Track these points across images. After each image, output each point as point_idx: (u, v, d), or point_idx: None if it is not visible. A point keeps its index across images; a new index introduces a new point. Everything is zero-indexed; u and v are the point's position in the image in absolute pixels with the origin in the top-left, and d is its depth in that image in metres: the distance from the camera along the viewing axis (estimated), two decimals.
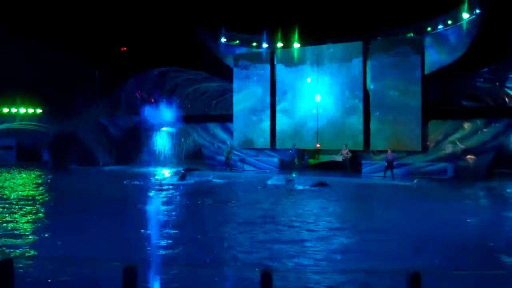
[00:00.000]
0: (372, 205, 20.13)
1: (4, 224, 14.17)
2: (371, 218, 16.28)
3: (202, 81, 40.50)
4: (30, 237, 12.67)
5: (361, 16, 35.16)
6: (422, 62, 30.77)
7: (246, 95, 35.65)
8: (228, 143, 35.96)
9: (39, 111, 43.24)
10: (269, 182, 26.18)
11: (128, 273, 6.40)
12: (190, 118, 36.93)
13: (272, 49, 35.47)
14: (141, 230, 12.67)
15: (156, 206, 17.89)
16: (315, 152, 33.85)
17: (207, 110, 41.67)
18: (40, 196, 20.96)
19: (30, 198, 20.13)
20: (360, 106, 32.11)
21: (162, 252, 10.97)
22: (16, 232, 13.18)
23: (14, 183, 26.44)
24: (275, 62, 35.21)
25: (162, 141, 38.34)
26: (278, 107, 34.70)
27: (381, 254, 11.11)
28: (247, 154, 35.73)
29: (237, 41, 37.07)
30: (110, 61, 38.03)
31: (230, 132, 36.69)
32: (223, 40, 37.13)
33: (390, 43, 31.57)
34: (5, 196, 20.65)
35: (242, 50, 36.86)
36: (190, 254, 11.17)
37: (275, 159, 34.77)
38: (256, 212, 16.90)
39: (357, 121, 32.18)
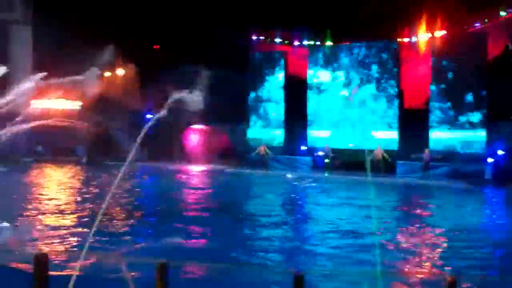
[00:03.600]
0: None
1: None
2: None
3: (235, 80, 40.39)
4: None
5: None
6: None
7: None
8: (263, 141, 35.80)
9: (75, 107, 43.43)
10: None
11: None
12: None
13: (305, 47, 35.26)
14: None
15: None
16: (347, 152, 33.36)
17: None
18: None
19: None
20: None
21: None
22: None
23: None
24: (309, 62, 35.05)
25: (194, 138, 38.39)
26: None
27: None
28: (278, 153, 35.56)
29: (268, 39, 36.97)
30: (143, 58, 38.13)
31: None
32: (254, 37, 37.09)
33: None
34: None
35: (271, 47, 36.83)
36: None
37: (308, 158, 34.46)
38: None
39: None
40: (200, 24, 39.01)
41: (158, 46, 42.58)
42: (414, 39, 32.59)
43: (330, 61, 34.84)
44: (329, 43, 34.96)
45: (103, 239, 12.10)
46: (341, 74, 34.50)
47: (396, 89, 32.94)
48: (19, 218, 15.45)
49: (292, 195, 24.06)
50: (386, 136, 32.54)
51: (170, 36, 40.96)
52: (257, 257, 11.78)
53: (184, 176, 30.67)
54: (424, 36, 32.10)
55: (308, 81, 35.82)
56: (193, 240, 13.23)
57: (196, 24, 39.53)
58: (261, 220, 16.24)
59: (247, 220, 16.69)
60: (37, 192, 21.92)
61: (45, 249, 11.45)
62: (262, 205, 20.04)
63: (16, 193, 20.56)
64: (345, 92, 34.17)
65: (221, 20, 35.96)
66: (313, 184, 27.55)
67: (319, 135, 34.93)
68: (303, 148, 35.15)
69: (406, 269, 10.59)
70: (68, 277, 7.64)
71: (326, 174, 28.39)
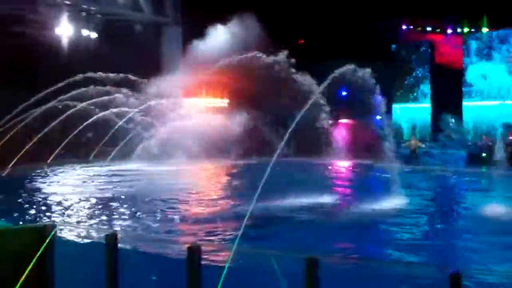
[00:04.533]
0: None
1: None
2: None
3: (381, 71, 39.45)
4: None
5: None
6: None
7: None
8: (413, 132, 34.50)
9: (223, 104, 44.86)
10: None
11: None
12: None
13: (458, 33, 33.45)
14: None
15: None
16: None
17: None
18: None
19: None
20: None
21: None
22: None
23: None
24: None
25: (342, 132, 37.96)
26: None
27: None
28: (430, 147, 34.04)
29: (419, 28, 35.67)
30: (288, 53, 38.40)
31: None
32: (403, 27, 35.90)
33: None
34: None
35: (420, 37, 35.43)
36: None
37: (462, 152, 32.57)
38: None
39: None
40: (346, 17, 38.59)
41: (302, 41, 42.68)
42: None
43: (487, 50, 32.67)
44: (485, 29, 32.81)
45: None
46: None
47: None
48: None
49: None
50: None
51: (315, 31, 40.91)
52: None
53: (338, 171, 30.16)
54: None
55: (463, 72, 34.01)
56: None
57: (341, 17, 39.16)
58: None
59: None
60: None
61: (200, 240, 11.74)
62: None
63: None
64: None
65: (368, 12, 35.24)
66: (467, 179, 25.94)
67: None
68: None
69: None
70: (220, 268, 7.69)
71: (483, 170, 26.57)
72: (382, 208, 16.90)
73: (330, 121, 36.79)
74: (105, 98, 30.92)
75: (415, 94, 38.13)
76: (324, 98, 27.00)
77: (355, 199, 18.70)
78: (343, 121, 38.28)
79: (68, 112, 29.32)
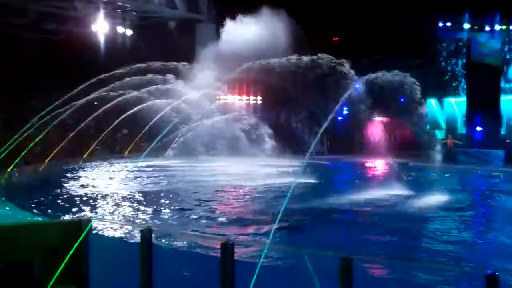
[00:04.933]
0: None
1: None
2: None
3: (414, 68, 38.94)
4: None
5: None
6: None
7: None
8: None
9: (256, 101, 44.93)
10: None
11: None
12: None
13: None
14: None
15: None
16: None
17: None
18: None
19: None
20: None
21: None
22: None
23: None
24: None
25: (376, 130, 37.54)
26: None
27: None
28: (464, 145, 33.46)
29: (456, 25, 35.07)
30: (323, 50, 38.16)
31: None
32: (440, 24, 35.37)
33: None
34: None
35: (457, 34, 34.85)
36: None
37: (500, 151, 31.87)
38: None
39: None
40: (382, 13, 38.21)
41: (337, 38, 42.37)
42: None
43: None
44: None
45: None
46: None
47: None
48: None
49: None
50: None
51: (350, 28, 40.59)
52: None
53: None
54: None
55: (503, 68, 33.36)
56: None
57: (377, 13, 38.78)
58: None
59: None
60: None
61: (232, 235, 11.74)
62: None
63: None
64: None
65: (404, 8, 34.83)
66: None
67: None
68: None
69: None
70: (253, 265, 7.65)
71: None
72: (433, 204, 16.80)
73: (366, 119, 36.51)
74: (151, 87, 30.83)
75: (452, 90, 37.53)
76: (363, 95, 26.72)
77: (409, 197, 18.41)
78: (378, 118, 37.88)
79: (118, 99, 29.19)
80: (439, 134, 36.19)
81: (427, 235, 13.50)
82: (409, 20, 35.82)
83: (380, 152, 35.31)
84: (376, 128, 38.22)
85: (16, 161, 23.96)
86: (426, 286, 8.15)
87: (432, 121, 37.72)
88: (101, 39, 37.02)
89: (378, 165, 32.88)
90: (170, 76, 31.01)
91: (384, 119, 38.10)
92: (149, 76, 30.16)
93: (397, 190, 19.52)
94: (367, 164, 33.07)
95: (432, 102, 39.03)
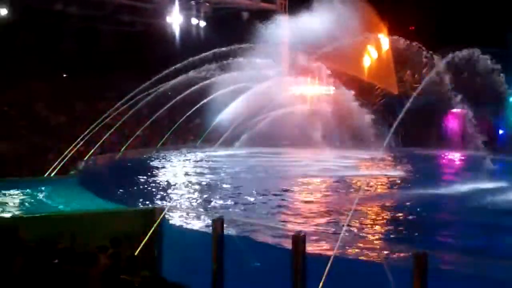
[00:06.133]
0: None
1: None
2: None
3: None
4: None
5: None
6: None
7: None
8: None
9: (328, 92, 44.30)
10: None
11: None
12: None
13: None
14: None
15: None
16: None
17: None
18: None
19: None
20: None
21: None
22: None
23: None
24: None
25: (453, 122, 36.40)
26: None
27: None
28: None
29: None
30: (397, 40, 37.33)
31: None
32: None
33: None
34: None
35: None
36: None
37: None
38: None
39: None
40: (457, 2, 37.01)
41: (413, 28, 41.22)
42: None
43: None
44: None
45: None
46: None
47: None
48: None
49: None
50: None
51: (425, 17, 39.45)
52: None
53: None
54: None
55: None
56: None
57: (453, 2, 37.60)
58: None
59: None
60: None
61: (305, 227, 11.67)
62: None
63: None
64: None
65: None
66: None
67: None
68: None
69: None
70: (325, 257, 7.53)
71: None
72: None
73: (444, 109, 35.44)
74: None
75: None
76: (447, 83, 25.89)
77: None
78: (456, 110, 36.59)
79: (192, 88, 29.53)
80: None
81: None
82: (486, 9, 34.52)
83: (459, 145, 34.19)
84: (454, 119, 37.02)
85: (93, 150, 24.70)
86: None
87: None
88: (176, 31, 37.50)
89: (460, 157, 31.83)
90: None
91: (463, 110, 36.78)
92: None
93: (487, 184, 18.71)
94: (450, 157, 32.09)
95: None
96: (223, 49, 31.15)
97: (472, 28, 35.69)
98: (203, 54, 30.23)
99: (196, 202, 15.94)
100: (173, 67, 29.00)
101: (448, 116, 37.27)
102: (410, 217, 14.15)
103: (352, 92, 35.00)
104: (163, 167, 24.83)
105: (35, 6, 33.71)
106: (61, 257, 7.01)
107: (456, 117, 36.79)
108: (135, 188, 17.98)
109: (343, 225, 11.18)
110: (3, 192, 14.97)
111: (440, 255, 8.43)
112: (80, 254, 7.11)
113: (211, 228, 8.83)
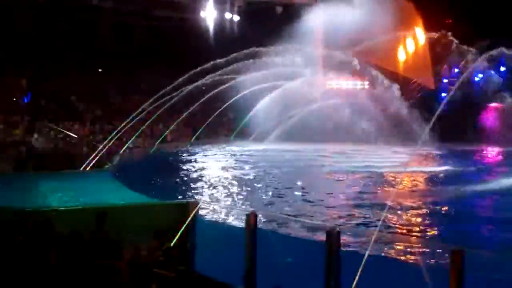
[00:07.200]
0: None
1: None
2: None
3: None
4: None
5: None
6: None
7: None
8: None
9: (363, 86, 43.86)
10: None
11: None
12: None
13: None
14: None
15: None
16: None
17: None
18: None
19: None
20: None
21: None
22: None
23: None
24: None
25: (491, 117, 35.62)
26: None
27: None
28: None
29: None
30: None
31: None
32: None
33: None
34: None
35: None
36: None
37: None
38: None
39: None
40: None
41: (450, 21, 40.47)
42: None
43: None
44: None
45: None
46: None
47: None
48: None
49: None
50: None
51: (464, 10, 38.68)
52: None
53: None
54: None
55: None
56: None
57: None
58: None
59: None
60: None
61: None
62: None
63: None
64: None
65: None
66: None
67: None
68: None
69: None
70: (359, 254, 7.43)
71: None
72: None
73: (480, 106, 34.76)
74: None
75: None
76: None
77: None
78: (493, 104, 35.84)
79: (226, 85, 29.53)
80: None
81: None
82: None
83: (497, 139, 33.44)
84: (492, 114, 36.24)
85: (128, 143, 24.91)
86: None
87: None
88: (210, 25, 37.58)
89: (499, 152, 31.16)
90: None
91: (500, 105, 36.02)
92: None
93: None
94: (489, 152, 31.45)
95: None
96: (261, 48, 31.04)
97: (510, 20, 34.86)
98: (243, 52, 30.07)
99: (229, 196, 15.94)
100: (211, 63, 28.98)
101: (486, 111, 36.49)
102: (449, 213, 13.94)
103: (397, 86, 34.64)
104: (197, 161, 24.91)
105: (71, 2, 34.26)
106: (93, 250, 7.07)
107: (495, 111, 36.03)
108: (169, 182, 18.06)
109: (378, 221, 11.06)
110: (40, 185, 15.17)
111: (478, 253, 8.23)
112: (111, 246, 7.15)
113: (244, 222, 8.80)
